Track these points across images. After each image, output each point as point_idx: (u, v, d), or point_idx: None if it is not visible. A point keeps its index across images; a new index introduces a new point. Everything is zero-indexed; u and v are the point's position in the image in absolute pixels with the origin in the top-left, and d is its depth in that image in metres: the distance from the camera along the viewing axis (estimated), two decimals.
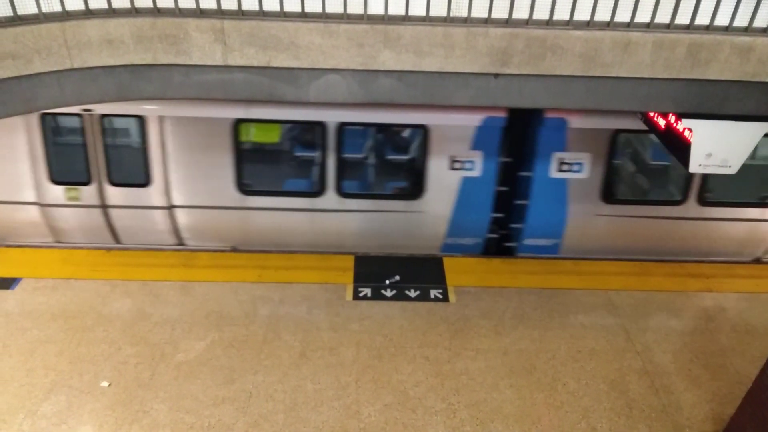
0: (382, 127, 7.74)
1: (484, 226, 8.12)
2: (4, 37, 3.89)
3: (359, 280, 7.64)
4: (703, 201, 7.91)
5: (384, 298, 7.35)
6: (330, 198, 7.81)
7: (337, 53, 4.37)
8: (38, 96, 4.24)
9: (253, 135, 7.84)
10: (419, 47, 4.35)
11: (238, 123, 7.37)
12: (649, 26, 4.37)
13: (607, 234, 8.17)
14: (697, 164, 5.18)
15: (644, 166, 8.29)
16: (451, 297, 7.40)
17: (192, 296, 7.21)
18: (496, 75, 4.53)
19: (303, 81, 4.56)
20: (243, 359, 6.31)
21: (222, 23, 4.23)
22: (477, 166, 7.65)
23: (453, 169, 7.67)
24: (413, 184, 7.85)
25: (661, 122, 5.68)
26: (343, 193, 7.79)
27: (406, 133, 7.91)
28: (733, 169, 5.23)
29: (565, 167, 7.68)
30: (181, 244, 8.26)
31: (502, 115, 7.33)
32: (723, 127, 4.96)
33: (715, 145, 5.09)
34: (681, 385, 6.26)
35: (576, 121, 7.39)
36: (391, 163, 8.10)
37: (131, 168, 7.63)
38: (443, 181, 7.75)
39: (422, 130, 7.47)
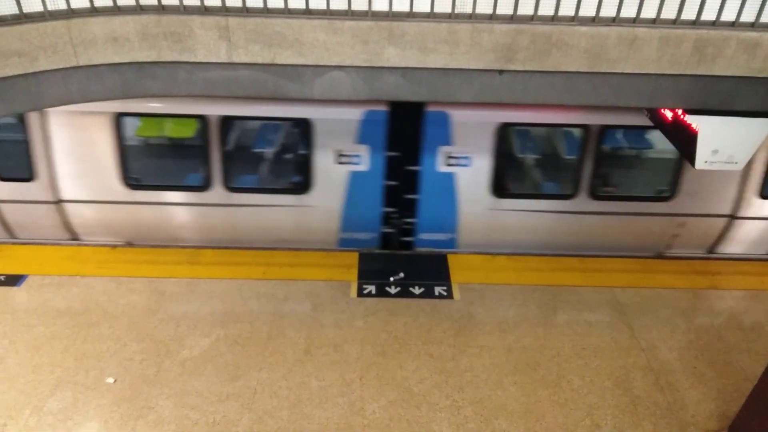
0: (265, 121, 7.69)
1: (377, 221, 8.07)
2: (10, 35, 3.91)
3: (364, 277, 7.64)
4: (595, 195, 7.87)
5: (388, 295, 7.35)
6: (217, 192, 7.77)
7: (341, 50, 4.37)
8: (44, 94, 4.26)
9: (138, 129, 7.91)
10: (424, 44, 4.34)
11: (120, 117, 7.31)
12: (655, 22, 4.35)
13: (501, 228, 8.15)
14: (703, 161, 5.16)
15: (535, 159, 8.22)
16: (456, 294, 7.40)
17: (197, 293, 7.23)
18: (501, 71, 4.52)
19: (307, 78, 4.56)
20: (248, 356, 6.33)
21: (227, 20, 4.24)
22: (364, 160, 7.61)
23: (340, 163, 7.62)
24: (300, 179, 7.80)
25: (668, 117, 5.66)
26: (230, 187, 7.74)
27: (290, 126, 7.85)
28: (739, 166, 5.21)
29: (452, 161, 7.64)
30: (75, 238, 8.26)
31: (383, 108, 7.29)
32: (729, 123, 4.94)
33: (722, 142, 5.07)
34: (686, 382, 6.25)
35: (458, 115, 7.36)
36: (276, 157, 8.07)
37: (16, 162, 7.61)
38: (330, 176, 7.70)
39: (305, 124, 7.42)
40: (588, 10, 4.33)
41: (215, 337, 6.57)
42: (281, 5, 4.25)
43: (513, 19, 4.31)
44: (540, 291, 7.49)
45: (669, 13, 4.33)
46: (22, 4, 3.95)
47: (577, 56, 4.42)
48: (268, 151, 8.06)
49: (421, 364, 6.32)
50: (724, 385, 6.22)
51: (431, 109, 7.30)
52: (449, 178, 7.75)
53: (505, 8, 4.30)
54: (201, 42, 4.32)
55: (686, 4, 4.29)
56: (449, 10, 4.28)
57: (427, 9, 4.29)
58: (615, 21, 4.34)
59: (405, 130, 7.51)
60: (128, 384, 5.95)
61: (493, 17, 4.31)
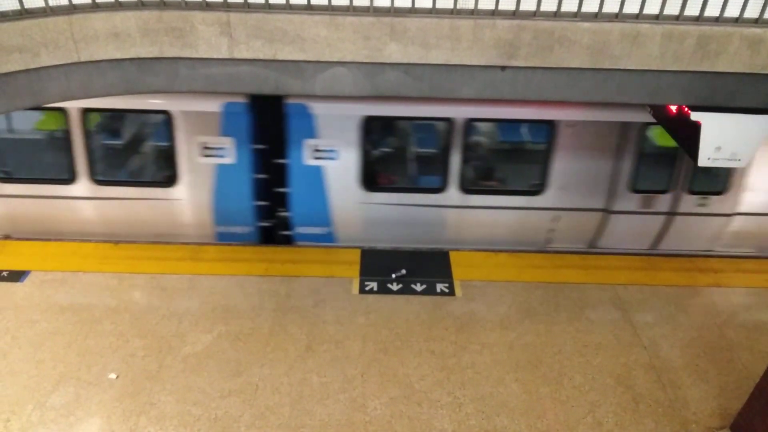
0: (129, 113, 7.61)
1: (250, 215, 8.03)
2: (12, 31, 3.90)
3: (365, 273, 7.64)
4: (465, 189, 7.85)
5: (390, 291, 7.36)
6: (83, 185, 7.74)
7: (343, 46, 4.35)
8: (45, 89, 4.25)
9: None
10: (426, 40, 4.32)
11: None
12: (657, 18, 4.32)
13: (375, 222, 8.14)
14: (706, 157, 5.13)
15: (403, 153, 8.16)
16: (458, 291, 7.39)
17: (199, 289, 7.24)
18: (503, 67, 4.50)
19: (309, 74, 4.55)
20: (249, 352, 6.34)
21: (228, 16, 4.23)
22: (230, 152, 7.55)
23: (205, 155, 7.58)
24: (166, 172, 7.76)
25: (670, 113, 5.63)
26: (96, 180, 7.71)
27: (152, 118, 7.75)
28: (742, 163, 5.19)
29: (319, 154, 7.60)
30: None
31: (242, 101, 7.24)
32: (732, 120, 4.92)
33: (725, 139, 5.04)
34: (688, 380, 6.24)
35: (321, 108, 7.33)
36: (143, 150, 7.99)
37: None
38: (196, 168, 7.66)
39: (167, 116, 7.36)
40: (591, 6, 4.31)
41: (217, 333, 6.58)
42: (282, 1, 4.24)
43: (515, 14, 4.29)
44: (542, 288, 7.48)
45: (672, 9, 4.31)
46: (24, 0, 3.95)
47: (580, 52, 4.40)
48: (134, 144, 7.95)
49: (423, 360, 6.33)
50: (726, 383, 6.21)
51: (292, 101, 7.24)
52: (317, 171, 7.73)
53: (507, 4, 4.28)
54: (202, 38, 4.31)
55: (689, 0, 4.26)
56: (451, 6, 4.26)
57: (428, 5, 4.27)
58: (618, 17, 4.32)
59: (268, 123, 7.48)
60: (130, 380, 5.97)
61: (495, 13, 4.29)
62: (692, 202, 8.04)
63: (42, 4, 4.00)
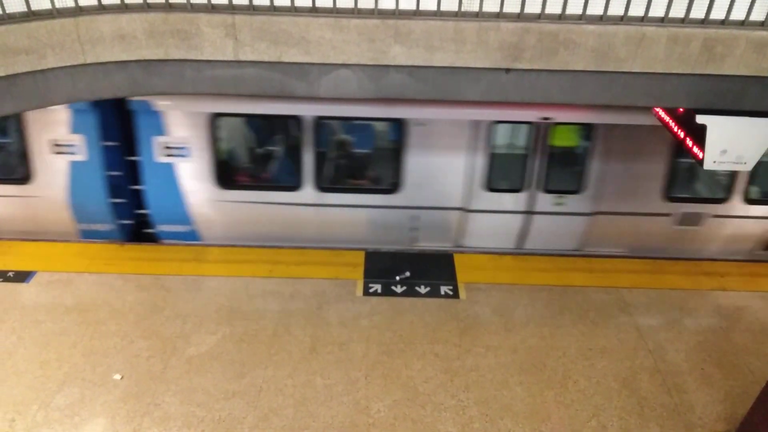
0: None
1: (107, 212, 7.95)
2: (18, 33, 3.93)
3: (370, 275, 7.64)
4: (320, 187, 7.82)
5: (394, 294, 7.35)
6: None
7: (347, 48, 4.36)
8: (51, 91, 4.28)
9: None
10: (430, 42, 4.33)
11: None
12: (663, 21, 4.31)
13: (235, 220, 8.09)
14: (711, 161, 5.10)
15: (256, 151, 8.11)
16: (462, 293, 7.38)
17: (203, 291, 7.26)
18: (508, 70, 4.50)
19: (313, 76, 4.56)
20: (253, 354, 6.35)
21: (233, 18, 4.24)
22: (82, 150, 7.47)
23: (57, 153, 7.50)
24: (20, 169, 7.68)
25: (676, 116, 5.62)
26: None
27: (7, 117, 7.62)
28: (748, 166, 5.16)
29: (170, 152, 7.54)
30: None
31: None
32: (738, 123, 4.89)
33: (730, 142, 5.02)
34: (693, 384, 6.20)
35: (164, 105, 7.26)
36: None
37: None
38: (49, 166, 7.57)
39: (18, 114, 7.27)
40: (596, 9, 4.30)
41: (221, 334, 6.59)
42: (287, 3, 4.25)
43: (520, 17, 4.29)
44: (546, 291, 7.46)
45: (678, 11, 4.29)
46: (31, 2, 3.98)
47: (585, 55, 4.39)
48: None
49: (427, 363, 6.32)
50: (732, 387, 6.17)
51: (135, 98, 7.15)
52: (169, 168, 7.68)
53: (512, 6, 4.28)
54: (208, 40, 4.33)
55: (695, 2, 4.25)
56: (456, 9, 4.27)
57: (433, 7, 4.27)
58: (623, 20, 4.31)
59: (116, 120, 7.44)
60: (135, 381, 5.98)
61: (499, 15, 4.29)
62: (549, 201, 7.99)
63: (48, 6, 4.02)
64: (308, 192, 7.87)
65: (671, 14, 4.30)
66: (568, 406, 5.90)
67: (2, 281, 7.29)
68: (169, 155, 7.60)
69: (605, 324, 6.96)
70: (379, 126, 7.87)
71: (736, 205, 7.98)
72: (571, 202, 8.00)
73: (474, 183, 7.86)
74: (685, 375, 6.31)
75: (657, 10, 4.29)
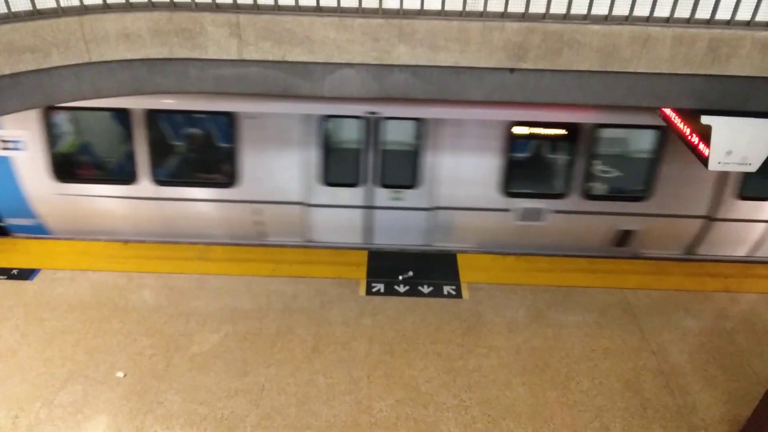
0: None
1: None
2: (24, 31, 3.94)
3: (372, 275, 7.64)
4: (157, 180, 7.75)
5: (397, 293, 7.35)
6: None
7: (351, 48, 4.36)
8: (56, 89, 4.29)
9: None
10: (434, 42, 4.32)
11: None
12: (668, 21, 4.30)
13: (79, 214, 8.00)
14: (716, 162, 5.08)
15: (91, 144, 7.99)
16: (465, 293, 7.38)
17: (207, 289, 7.27)
18: (512, 70, 4.49)
19: (317, 75, 4.57)
20: (256, 352, 6.36)
21: (237, 17, 4.25)
22: None
23: None
24: None
25: (681, 117, 5.60)
26: None
27: None
28: (753, 167, 5.13)
29: (6, 145, 7.44)
30: None
31: None
32: (744, 124, 4.87)
33: (736, 143, 5.00)
34: (697, 385, 6.19)
35: None
36: None
37: None
38: None
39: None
40: (600, 9, 4.30)
41: (224, 333, 6.60)
42: (292, 2, 4.26)
43: (524, 17, 4.29)
44: (550, 292, 7.45)
45: (683, 12, 4.28)
46: (36, 1, 3.99)
47: (589, 55, 4.39)
48: None
49: (429, 363, 6.31)
50: (736, 389, 6.15)
51: None
52: (5, 162, 7.59)
53: (516, 6, 4.27)
54: (212, 39, 4.34)
55: (700, 3, 4.24)
56: (460, 8, 4.26)
57: (437, 7, 4.27)
58: (628, 20, 4.30)
59: None
60: (138, 378, 5.99)
61: (504, 15, 4.28)
62: (386, 196, 7.91)
63: (54, 4, 4.04)
64: (145, 185, 7.80)
65: (676, 14, 4.29)
66: (571, 406, 5.89)
67: (6, 279, 7.32)
68: (4, 148, 7.52)
69: (608, 325, 6.95)
70: (213, 119, 7.74)
71: (576, 200, 7.88)
72: (410, 197, 7.93)
73: (311, 177, 7.79)
74: (688, 376, 6.29)
75: (662, 11, 4.28)
